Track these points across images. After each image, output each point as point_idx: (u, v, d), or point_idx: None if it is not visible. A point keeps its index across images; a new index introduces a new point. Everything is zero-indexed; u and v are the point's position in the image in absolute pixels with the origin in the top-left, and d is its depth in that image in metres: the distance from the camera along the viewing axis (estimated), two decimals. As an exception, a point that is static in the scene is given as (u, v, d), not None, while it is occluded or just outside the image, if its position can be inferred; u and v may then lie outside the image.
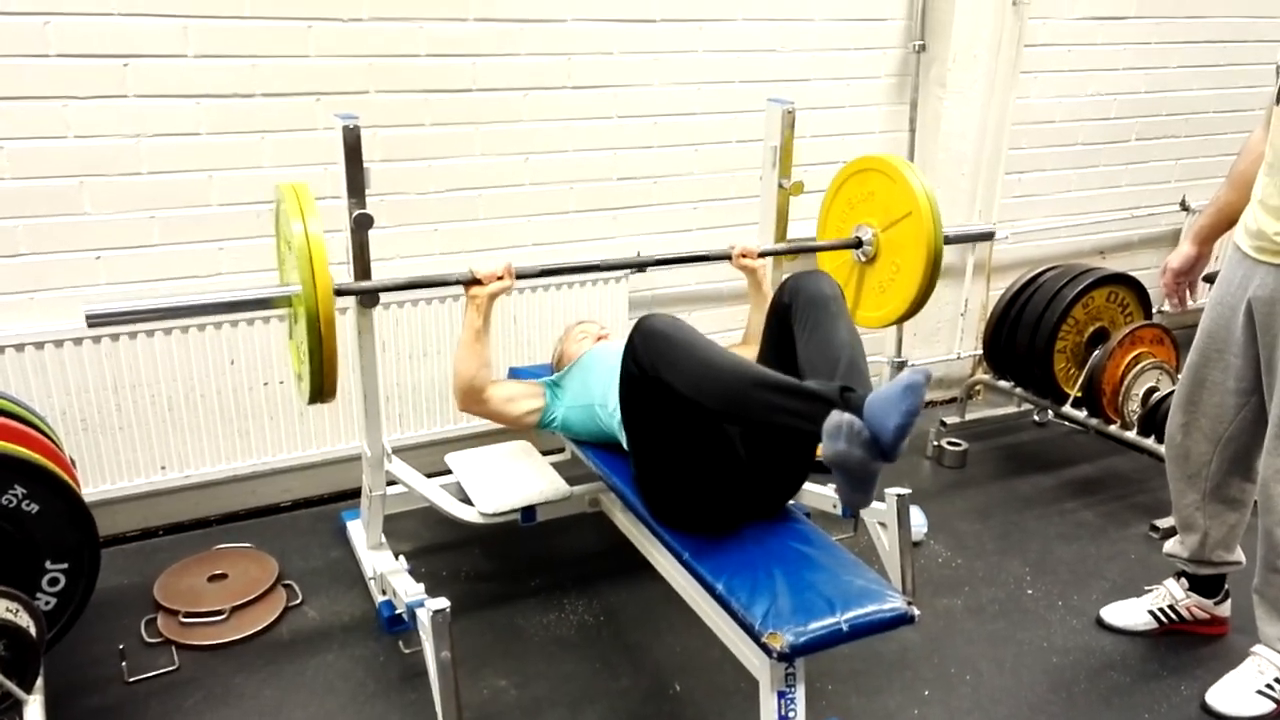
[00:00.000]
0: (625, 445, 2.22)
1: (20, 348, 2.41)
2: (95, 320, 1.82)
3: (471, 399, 2.25)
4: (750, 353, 2.46)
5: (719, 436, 1.93)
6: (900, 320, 2.40)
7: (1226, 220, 2.22)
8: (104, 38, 2.33)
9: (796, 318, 2.02)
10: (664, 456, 1.97)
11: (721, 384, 1.77)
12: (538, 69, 2.82)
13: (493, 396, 2.29)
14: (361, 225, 2.02)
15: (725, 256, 2.42)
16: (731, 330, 2.40)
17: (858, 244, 2.40)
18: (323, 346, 1.82)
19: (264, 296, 1.94)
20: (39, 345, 2.42)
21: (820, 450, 1.63)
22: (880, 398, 1.63)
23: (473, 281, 2.10)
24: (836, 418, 1.60)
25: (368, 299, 2.09)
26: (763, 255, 2.44)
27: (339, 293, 1.88)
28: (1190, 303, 2.42)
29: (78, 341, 2.46)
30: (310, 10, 2.50)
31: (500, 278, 2.10)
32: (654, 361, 1.82)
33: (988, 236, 2.63)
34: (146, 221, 2.50)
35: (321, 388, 1.88)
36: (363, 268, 2.08)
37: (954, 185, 3.50)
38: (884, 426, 1.59)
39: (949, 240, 2.31)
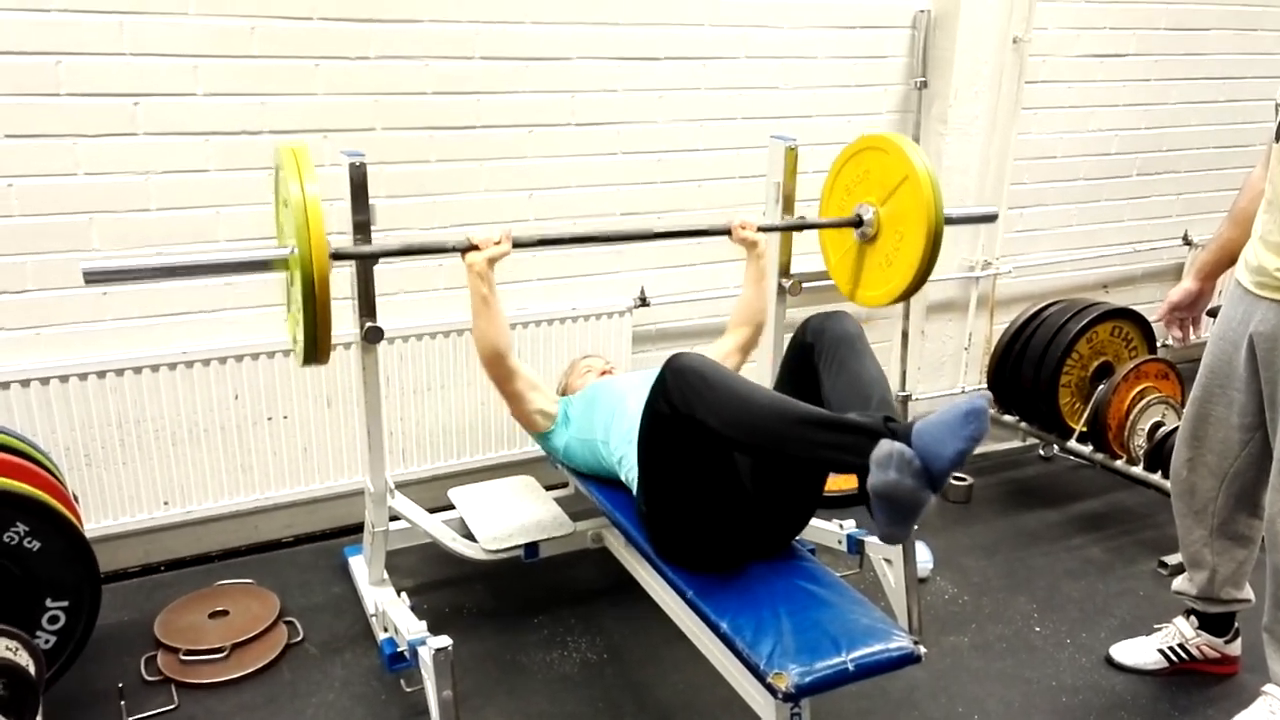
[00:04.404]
0: (625, 481, 2.22)
1: (26, 383, 2.41)
2: (93, 278, 1.77)
3: (496, 364, 2.25)
4: (735, 337, 2.56)
5: (727, 472, 1.93)
6: (906, 294, 2.35)
7: (1228, 256, 2.23)
8: (115, 77, 2.36)
9: (821, 357, 2.02)
10: (672, 492, 1.95)
11: (761, 420, 1.74)
12: (542, 106, 2.84)
13: (518, 371, 2.30)
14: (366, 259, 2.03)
15: (725, 231, 2.44)
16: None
17: (859, 222, 2.38)
18: (317, 307, 1.78)
19: (262, 258, 1.92)
20: (44, 381, 2.43)
21: (868, 481, 1.58)
22: (935, 424, 1.58)
23: (470, 248, 2.10)
24: (887, 447, 1.55)
25: (372, 334, 2.09)
26: (761, 230, 2.45)
27: (335, 256, 1.85)
28: (1193, 337, 2.42)
29: (83, 377, 2.46)
30: (318, 49, 2.53)
31: (498, 243, 2.11)
32: (687, 399, 1.78)
33: (991, 218, 2.61)
34: (154, 258, 2.52)
35: (315, 349, 1.84)
36: (368, 304, 2.08)
37: (956, 220, 3.52)
38: (939, 455, 1.54)
39: (950, 220, 2.29)
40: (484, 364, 2.28)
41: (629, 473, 2.16)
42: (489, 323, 2.18)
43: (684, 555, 1.99)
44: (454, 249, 2.10)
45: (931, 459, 1.54)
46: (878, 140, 2.38)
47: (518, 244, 2.14)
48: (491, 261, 2.11)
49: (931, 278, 3.46)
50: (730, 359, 2.53)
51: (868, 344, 2.03)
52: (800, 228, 2.47)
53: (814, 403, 1.90)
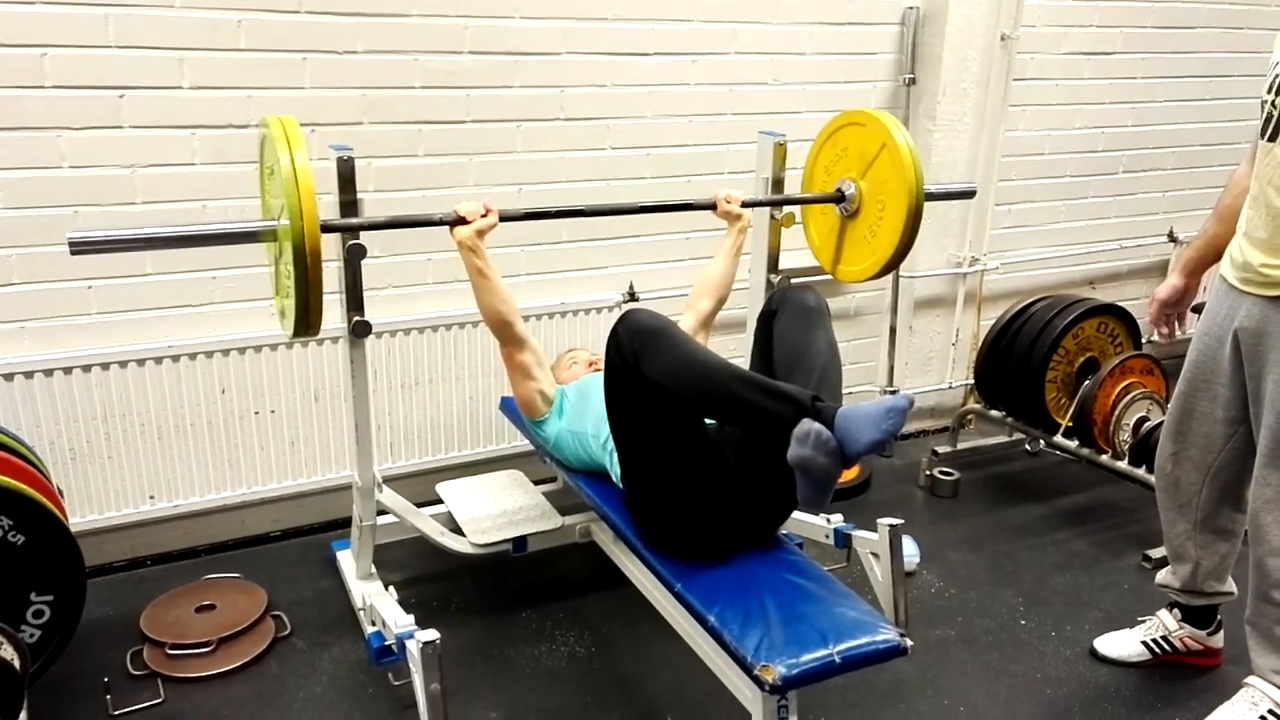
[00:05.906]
0: (614, 476, 2.22)
1: (10, 377, 2.40)
2: (78, 248, 1.73)
3: (504, 332, 2.27)
4: (696, 313, 2.51)
5: (708, 444, 1.94)
6: (891, 265, 2.35)
7: (1213, 252, 2.24)
8: (101, 70, 2.35)
9: (778, 323, 2.11)
10: (653, 466, 1.97)
11: (699, 375, 1.84)
12: (532, 101, 2.84)
13: (527, 340, 2.31)
14: (355, 256, 2.03)
15: (710, 205, 2.43)
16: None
17: (840, 197, 2.40)
18: (309, 278, 1.75)
19: (251, 229, 1.90)
20: (29, 374, 2.42)
21: (788, 452, 1.71)
22: (859, 413, 1.70)
23: (458, 221, 2.10)
24: (807, 425, 1.69)
25: (360, 328, 2.09)
26: (745, 205, 2.45)
27: (325, 229, 1.83)
28: (1179, 333, 2.44)
29: (68, 371, 2.45)
30: (306, 43, 2.53)
31: (484, 214, 2.11)
32: (636, 351, 1.87)
33: (969, 194, 2.62)
34: (140, 229, 2.49)
35: (306, 321, 1.82)
36: (356, 299, 2.08)
37: (944, 216, 3.53)
38: (856, 440, 1.68)
39: (930, 196, 2.29)
40: (493, 333, 2.30)
41: (617, 467, 2.16)
42: (490, 294, 2.19)
43: (671, 541, 1.99)
44: (441, 221, 2.09)
45: (849, 443, 1.69)
46: (853, 115, 2.39)
47: (503, 217, 2.14)
48: (480, 234, 2.11)
49: (919, 274, 3.52)
50: (697, 338, 2.51)
51: (826, 318, 2.08)
52: (784, 203, 2.48)
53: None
